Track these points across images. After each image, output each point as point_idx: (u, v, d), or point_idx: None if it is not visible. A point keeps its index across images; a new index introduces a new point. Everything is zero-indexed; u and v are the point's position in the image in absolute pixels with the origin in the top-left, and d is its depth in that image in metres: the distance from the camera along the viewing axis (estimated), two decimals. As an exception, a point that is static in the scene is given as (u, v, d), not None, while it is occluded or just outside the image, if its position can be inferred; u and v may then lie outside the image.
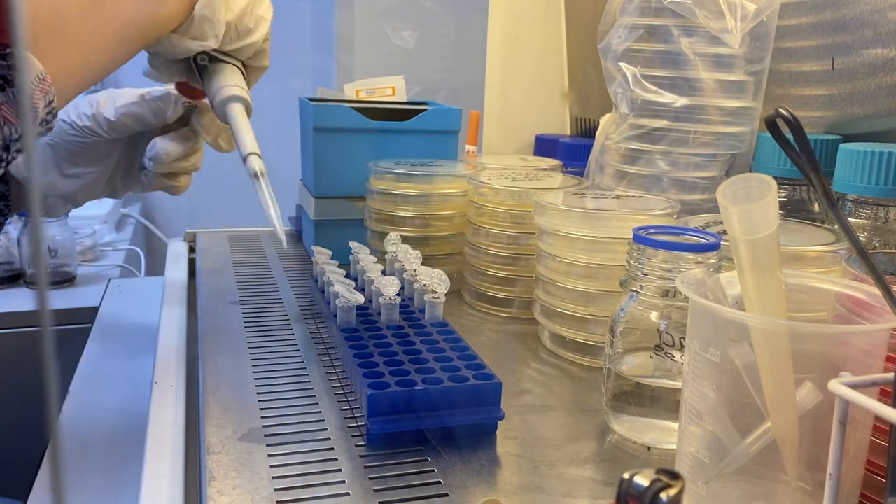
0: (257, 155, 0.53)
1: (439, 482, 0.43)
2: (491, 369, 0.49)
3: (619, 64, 0.72)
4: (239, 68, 0.59)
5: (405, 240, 0.69)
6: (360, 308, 0.58)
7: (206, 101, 0.64)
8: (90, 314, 0.88)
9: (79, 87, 0.46)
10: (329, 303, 0.61)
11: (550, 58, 1.12)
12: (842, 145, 0.57)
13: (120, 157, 0.67)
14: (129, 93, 0.63)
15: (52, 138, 0.63)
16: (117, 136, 0.64)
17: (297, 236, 0.97)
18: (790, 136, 0.35)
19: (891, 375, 0.32)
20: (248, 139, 0.54)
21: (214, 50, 0.57)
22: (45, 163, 0.65)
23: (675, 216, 0.61)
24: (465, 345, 0.53)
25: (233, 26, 0.56)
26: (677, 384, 0.46)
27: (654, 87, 0.70)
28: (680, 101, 0.69)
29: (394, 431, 0.46)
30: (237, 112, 0.56)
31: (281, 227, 0.51)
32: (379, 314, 0.58)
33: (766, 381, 0.35)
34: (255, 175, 0.52)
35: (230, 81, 0.57)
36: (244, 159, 0.54)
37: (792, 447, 0.35)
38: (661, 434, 0.48)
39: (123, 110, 0.62)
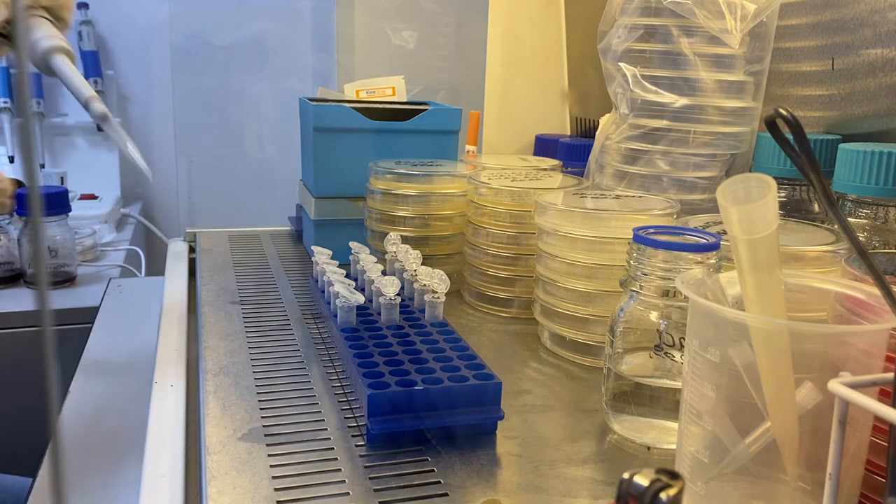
0: (96, 98, 0.53)
1: (439, 482, 0.43)
2: (491, 369, 0.49)
3: (619, 64, 0.72)
4: (46, 18, 0.56)
5: (405, 240, 0.69)
6: (360, 308, 0.58)
7: None
8: (90, 314, 0.88)
9: None
10: (329, 303, 0.61)
11: (550, 58, 1.12)
12: (841, 145, 0.57)
13: None
14: None
15: None
16: None
17: (297, 236, 0.97)
18: (790, 136, 0.35)
19: (891, 375, 0.32)
20: (80, 84, 0.53)
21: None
22: None
23: (675, 216, 0.61)
24: (465, 345, 0.53)
25: None
26: (677, 384, 0.46)
27: (653, 87, 0.70)
28: (680, 101, 0.69)
29: (394, 431, 0.46)
30: (62, 62, 0.54)
31: (141, 158, 0.51)
32: (379, 314, 0.58)
33: (766, 381, 0.35)
34: (104, 117, 0.51)
35: (41, 33, 0.55)
36: (85, 105, 0.52)
37: (792, 447, 0.35)
38: (660, 434, 0.48)
39: None
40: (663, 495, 0.24)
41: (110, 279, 1.00)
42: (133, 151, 0.51)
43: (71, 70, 0.54)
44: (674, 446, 0.46)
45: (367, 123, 0.83)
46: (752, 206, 0.34)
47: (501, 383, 0.47)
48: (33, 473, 0.55)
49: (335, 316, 0.57)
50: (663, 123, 0.70)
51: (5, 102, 1.44)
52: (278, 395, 0.52)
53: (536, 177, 0.76)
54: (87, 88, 0.53)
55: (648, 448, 0.48)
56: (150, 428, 0.50)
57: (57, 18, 0.59)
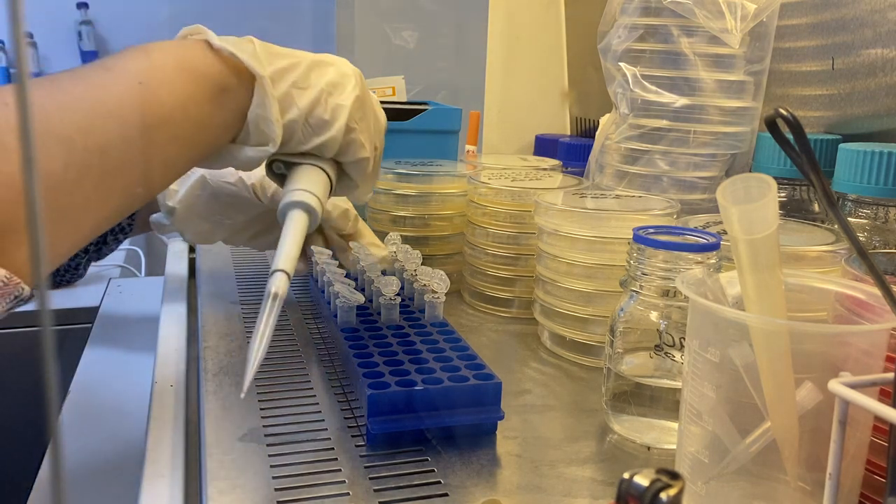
0: (286, 275, 0.44)
1: (439, 482, 0.43)
2: (491, 369, 0.49)
3: (619, 64, 0.72)
4: (322, 169, 0.50)
5: (405, 240, 0.69)
6: (360, 308, 0.57)
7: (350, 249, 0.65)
8: (90, 314, 0.88)
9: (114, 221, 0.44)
10: (329, 303, 0.61)
11: (550, 58, 1.12)
12: (842, 145, 0.57)
13: (263, 217, 0.66)
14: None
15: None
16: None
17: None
18: (790, 136, 0.35)
19: (891, 375, 0.32)
20: (285, 252, 0.45)
21: (288, 154, 0.50)
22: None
23: (675, 216, 0.61)
24: (465, 345, 0.53)
25: (301, 122, 0.48)
26: (677, 384, 0.46)
27: (654, 87, 0.70)
28: (680, 101, 0.69)
29: (394, 431, 0.46)
30: (292, 220, 0.48)
31: (253, 371, 0.42)
32: (379, 314, 0.58)
33: (766, 381, 0.35)
34: (268, 295, 0.43)
35: (298, 185, 0.49)
36: (272, 272, 0.45)
37: (792, 447, 0.35)
38: (661, 434, 0.48)
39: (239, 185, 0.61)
40: (663, 495, 0.24)
41: (110, 279, 1.00)
42: (253, 359, 0.42)
43: (294, 232, 0.47)
44: (674, 446, 0.45)
45: (367, 123, 0.82)
46: (752, 206, 0.34)
47: (501, 383, 0.47)
48: (24, 496, 0.55)
49: (335, 316, 0.57)
50: (663, 123, 0.70)
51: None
52: (278, 395, 0.52)
53: (536, 177, 0.76)
54: (286, 260, 0.45)
55: (648, 448, 0.48)
56: (150, 428, 0.50)
57: (348, 168, 0.53)
